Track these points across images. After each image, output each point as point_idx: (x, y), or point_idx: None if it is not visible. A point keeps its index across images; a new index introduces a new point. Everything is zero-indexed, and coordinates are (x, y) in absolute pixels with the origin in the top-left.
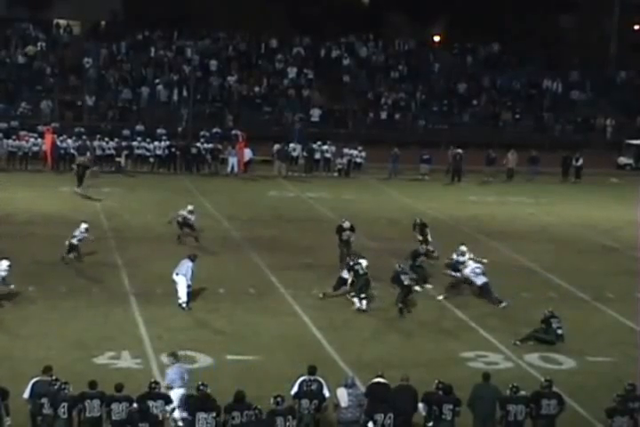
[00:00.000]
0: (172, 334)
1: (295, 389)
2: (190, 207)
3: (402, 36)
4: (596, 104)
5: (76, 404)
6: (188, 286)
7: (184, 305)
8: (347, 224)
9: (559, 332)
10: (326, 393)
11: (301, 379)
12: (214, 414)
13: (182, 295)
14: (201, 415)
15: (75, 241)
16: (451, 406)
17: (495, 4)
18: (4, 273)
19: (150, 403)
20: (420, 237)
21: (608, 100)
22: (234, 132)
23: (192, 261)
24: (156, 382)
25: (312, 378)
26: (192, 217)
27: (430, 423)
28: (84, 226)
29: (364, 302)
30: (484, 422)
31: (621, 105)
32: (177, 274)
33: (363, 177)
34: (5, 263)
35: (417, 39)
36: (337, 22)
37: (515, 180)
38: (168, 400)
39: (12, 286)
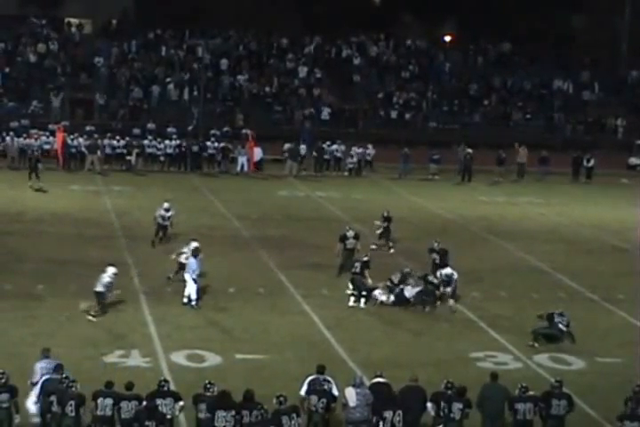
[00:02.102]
0: (182, 333)
1: (305, 387)
2: (166, 204)
3: (412, 36)
4: (607, 104)
5: (84, 402)
6: (194, 280)
7: (193, 303)
8: (350, 233)
9: (561, 327)
10: (335, 393)
11: (310, 378)
12: (233, 413)
13: (192, 294)
14: (220, 414)
15: (183, 260)
16: (460, 406)
17: (506, 4)
18: (109, 279)
19: (159, 401)
20: (381, 229)
21: (619, 101)
22: (244, 131)
23: (195, 256)
24: (166, 380)
25: (322, 378)
26: (169, 214)
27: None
28: (194, 244)
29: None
30: (492, 422)
31: (632, 105)
32: (186, 272)
33: (373, 176)
34: (112, 270)
35: (428, 39)
36: (348, 22)
37: (525, 179)
38: (177, 398)
39: (118, 291)
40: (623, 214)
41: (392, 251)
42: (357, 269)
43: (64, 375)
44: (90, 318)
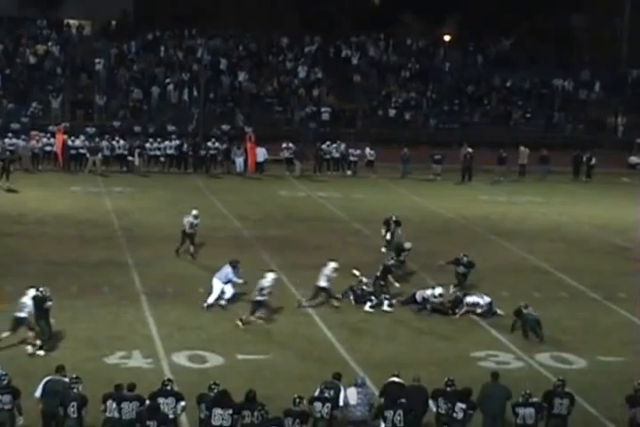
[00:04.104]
0: (183, 334)
1: (316, 391)
2: (195, 212)
3: (412, 36)
4: (608, 103)
5: (86, 403)
6: (232, 286)
7: (223, 302)
8: (407, 245)
9: (532, 314)
10: (341, 402)
11: (322, 382)
12: (230, 411)
13: (210, 299)
14: (217, 411)
15: (324, 284)
16: (464, 406)
17: (506, 4)
18: (267, 283)
19: (161, 400)
20: (387, 234)
21: (619, 100)
22: (247, 131)
23: (233, 267)
24: (170, 380)
25: (329, 384)
26: (197, 222)
27: None
28: (332, 265)
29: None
30: (493, 422)
31: (633, 104)
32: (217, 277)
33: (373, 176)
34: (271, 276)
35: (428, 38)
36: (348, 21)
37: (526, 179)
38: (180, 398)
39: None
40: (624, 213)
41: (383, 249)
42: (379, 273)
43: (74, 376)
44: (260, 321)
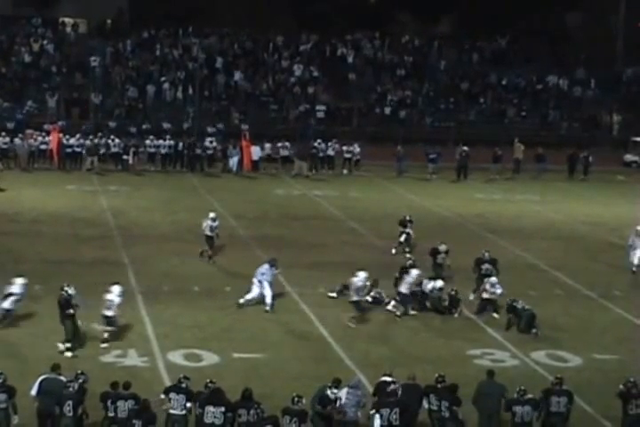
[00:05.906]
0: (179, 333)
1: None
2: (212, 215)
3: (408, 34)
4: (603, 101)
5: (82, 401)
6: (270, 285)
7: (267, 308)
8: (443, 247)
9: (526, 307)
10: (337, 404)
11: (323, 385)
12: (223, 409)
13: (268, 298)
14: (209, 409)
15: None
16: (447, 404)
17: (502, 2)
18: (361, 283)
19: (173, 396)
20: (402, 236)
21: (614, 98)
22: (243, 128)
23: (271, 266)
24: (186, 378)
25: (328, 385)
26: (216, 224)
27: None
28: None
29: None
30: (489, 419)
31: (628, 102)
32: (256, 278)
33: (369, 175)
34: (363, 275)
35: (423, 36)
36: (343, 20)
37: (521, 177)
38: (190, 398)
39: (368, 299)
40: (619, 211)
41: (394, 251)
42: (397, 274)
43: (79, 371)
44: (350, 324)
